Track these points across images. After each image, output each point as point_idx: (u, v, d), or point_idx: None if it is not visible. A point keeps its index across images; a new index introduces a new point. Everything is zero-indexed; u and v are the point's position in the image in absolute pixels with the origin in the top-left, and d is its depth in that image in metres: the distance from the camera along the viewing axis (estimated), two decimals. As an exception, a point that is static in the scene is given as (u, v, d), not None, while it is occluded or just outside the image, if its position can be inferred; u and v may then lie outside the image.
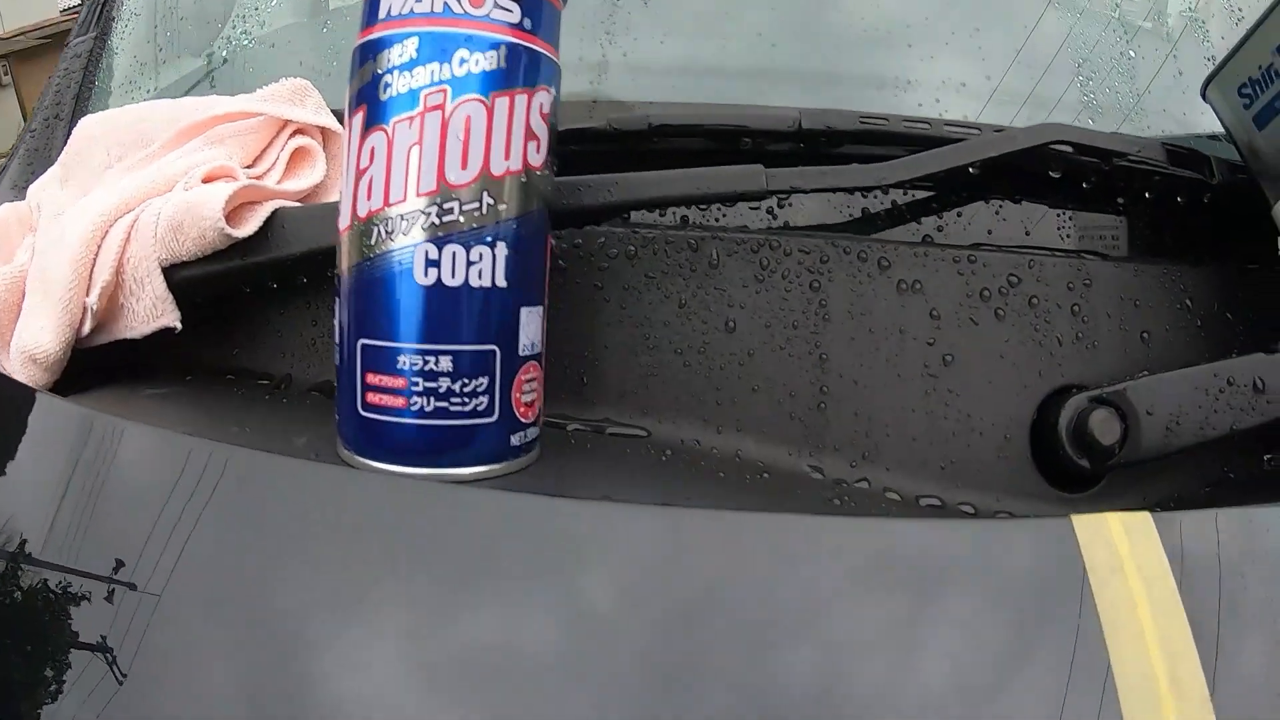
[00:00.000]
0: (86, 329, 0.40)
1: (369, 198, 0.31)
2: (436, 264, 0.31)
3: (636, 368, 0.38)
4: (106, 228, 0.40)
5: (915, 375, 0.39)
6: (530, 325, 0.33)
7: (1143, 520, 0.30)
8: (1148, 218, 0.47)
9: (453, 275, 0.31)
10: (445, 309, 0.31)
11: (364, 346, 0.32)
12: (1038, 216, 0.45)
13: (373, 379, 0.31)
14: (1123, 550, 0.29)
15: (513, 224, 0.32)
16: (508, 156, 0.31)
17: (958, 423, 0.39)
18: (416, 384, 0.31)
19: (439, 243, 0.31)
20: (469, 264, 0.31)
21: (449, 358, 0.31)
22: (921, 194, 0.43)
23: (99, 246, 0.39)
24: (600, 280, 0.39)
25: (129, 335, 0.40)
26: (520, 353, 0.32)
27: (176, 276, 0.39)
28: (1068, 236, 0.46)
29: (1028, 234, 0.45)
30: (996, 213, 0.44)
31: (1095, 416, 0.39)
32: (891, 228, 0.44)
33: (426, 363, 0.31)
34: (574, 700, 0.27)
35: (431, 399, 0.31)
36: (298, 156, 0.43)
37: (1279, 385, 0.41)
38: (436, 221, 0.31)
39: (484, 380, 0.31)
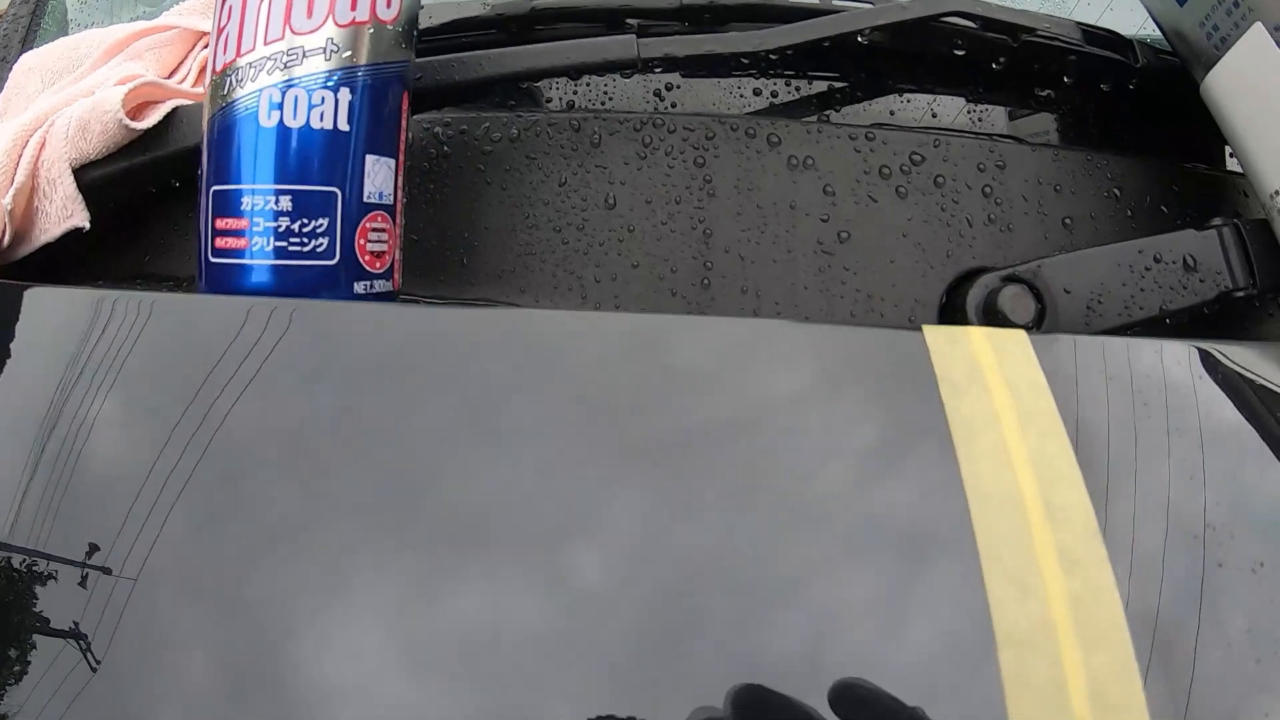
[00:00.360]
0: (6, 240, 0.41)
1: (224, 52, 0.32)
2: (279, 106, 0.31)
3: (515, 247, 0.37)
4: (26, 139, 0.41)
5: (808, 252, 0.37)
6: (378, 174, 0.32)
7: (1015, 337, 0.28)
8: (1069, 105, 0.45)
9: (294, 117, 0.31)
10: (286, 150, 0.31)
11: (214, 193, 0.32)
12: (945, 102, 0.43)
13: (220, 223, 0.31)
14: (985, 362, 0.27)
15: (358, 72, 0.32)
16: (354, 8, 0.32)
17: (856, 303, 0.37)
18: (258, 224, 0.31)
19: (283, 87, 0.31)
20: (310, 107, 0.31)
21: (289, 197, 0.31)
22: (820, 81, 0.42)
23: (19, 156, 0.41)
24: (483, 164, 0.38)
25: (42, 240, 0.41)
26: (365, 199, 0.32)
27: (86, 177, 0.40)
28: (979, 121, 0.44)
29: (934, 116, 0.43)
30: (900, 96, 0.43)
31: (1006, 294, 0.36)
32: (787, 117, 0.43)
33: (267, 202, 0.31)
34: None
35: (271, 238, 0.31)
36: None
37: (1212, 263, 0.38)
38: (281, 67, 0.31)
39: (324, 222, 0.31)
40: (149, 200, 0.41)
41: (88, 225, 0.40)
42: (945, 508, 0.25)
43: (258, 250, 0.31)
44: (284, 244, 0.31)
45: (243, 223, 0.31)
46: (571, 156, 0.38)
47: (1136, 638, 0.22)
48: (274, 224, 0.31)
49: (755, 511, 0.25)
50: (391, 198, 0.33)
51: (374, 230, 0.32)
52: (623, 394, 0.27)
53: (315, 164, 0.31)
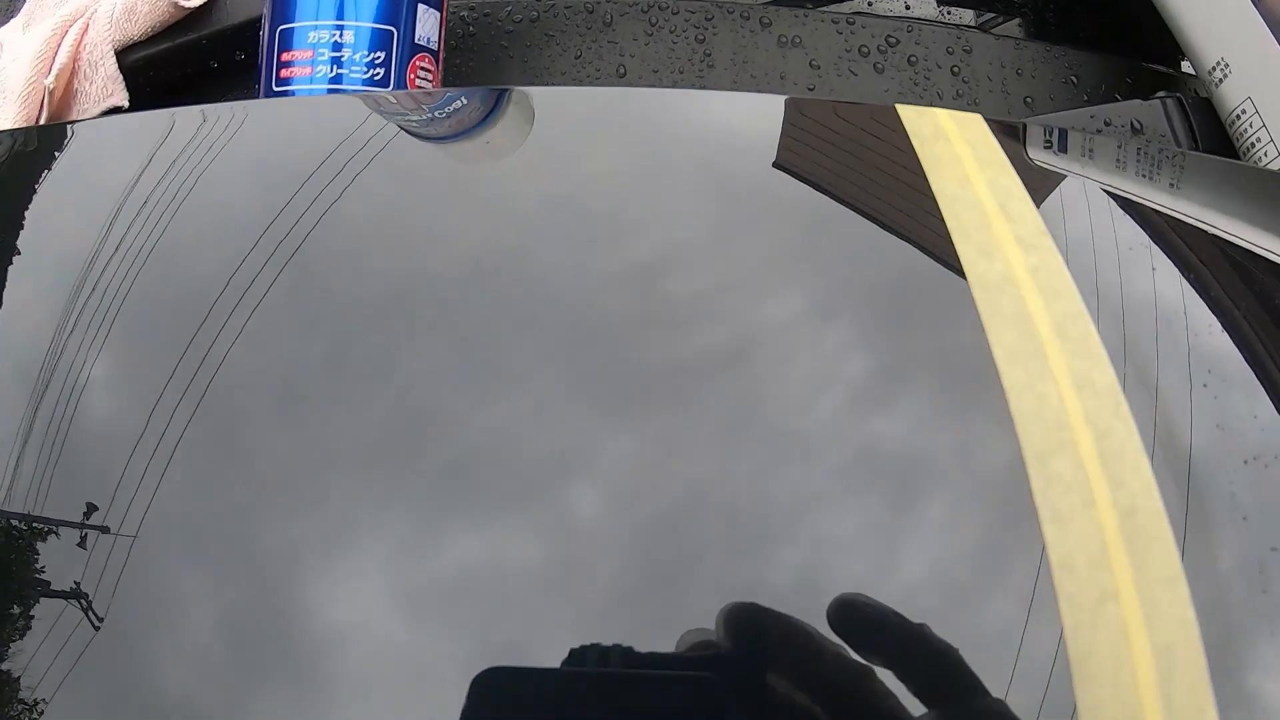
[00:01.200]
0: (43, 120, 0.46)
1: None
2: None
3: (536, 108, 0.42)
4: (66, 27, 0.46)
5: (796, 115, 0.42)
6: (426, 21, 0.37)
7: (973, 117, 0.32)
8: (1034, 5, 0.50)
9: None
10: None
11: (280, 31, 0.37)
12: (918, 5, 0.48)
13: (285, 57, 0.36)
14: (947, 126, 0.31)
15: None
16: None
17: (840, 159, 0.42)
18: (322, 54, 0.36)
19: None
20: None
21: (351, 32, 0.36)
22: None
23: (60, 41, 0.46)
24: (506, 41, 0.43)
25: (81, 119, 0.46)
26: (416, 40, 0.37)
27: (127, 59, 0.45)
28: (949, 15, 0.49)
29: (908, 8, 0.48)
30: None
31: (974, 151, 0.41)
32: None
33: (332, 35, 0.36)
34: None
35: (335, 66, 0.36)
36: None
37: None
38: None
39: (381, 55, 0.36)
40: (187, 82, 0.46)
41: (126, 104, 0.45)
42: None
43: (321, 76, 0.35)
44: (345, 71, 0.35)
45: (307, 54, 0.36)
46: (586, 34, 0.43)
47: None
48: (338, 54, 0.35)
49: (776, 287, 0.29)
50: (436, 44, 0.38)
51: (422, 70, 0.37)
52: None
53: (376, 3, 0.36)
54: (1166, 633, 0.18)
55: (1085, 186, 0.31)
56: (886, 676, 0.20)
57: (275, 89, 0.36)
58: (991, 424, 0.22)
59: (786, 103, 0.34)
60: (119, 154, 0.37)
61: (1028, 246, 0.26)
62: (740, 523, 0.23)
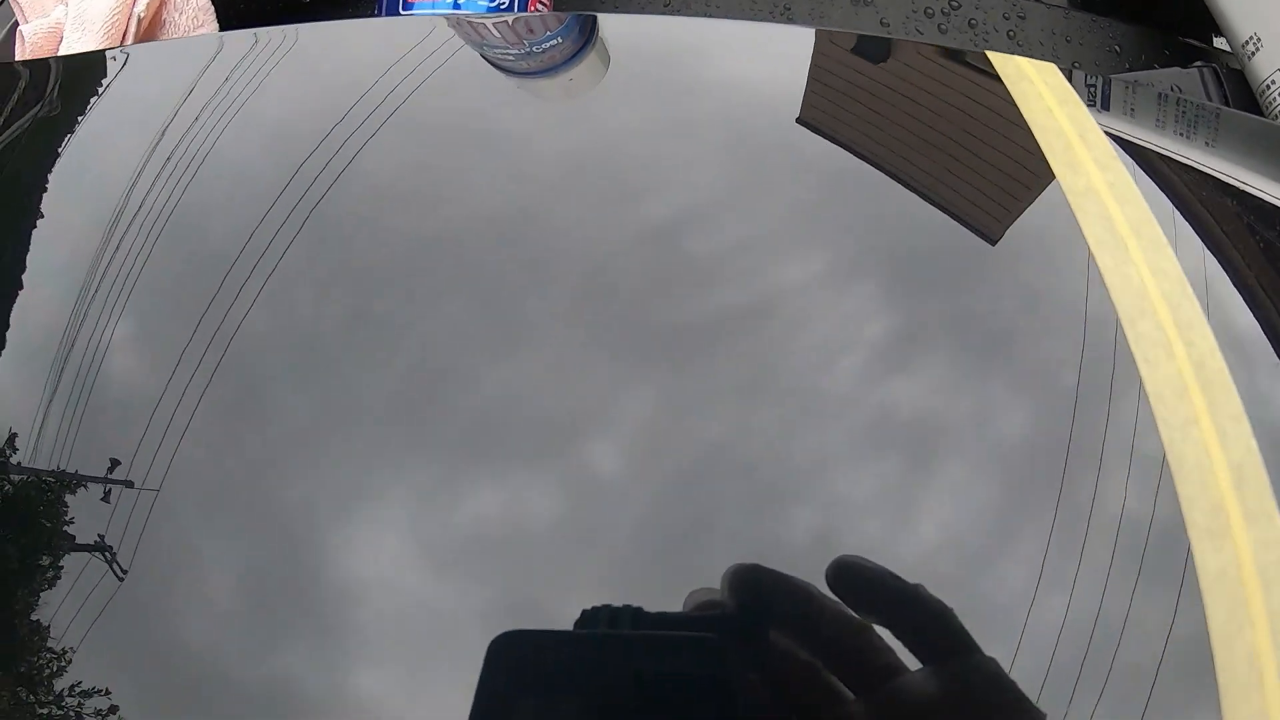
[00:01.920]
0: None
1: None
2: None
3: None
4: None
5: (867, 67, 0.46)
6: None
7: (1049, 66, 0.36)
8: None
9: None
10: None
11: None
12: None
13: None
14: (1027, 68, 0.35)
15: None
16: None
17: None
18: None
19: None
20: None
21: None
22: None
23: None
24: (600, -12, 0.47)
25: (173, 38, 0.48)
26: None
27: None
28: None
29: None
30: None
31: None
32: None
33: None
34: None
35: None
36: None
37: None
38: None
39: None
40: (279, 12, 0.49)
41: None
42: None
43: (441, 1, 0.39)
44: None
45: None
46: (675, -13, 0.46)
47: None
48: None
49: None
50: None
51: (539, 3, 0.41)
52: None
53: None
54: (1237, 454, 0.22)
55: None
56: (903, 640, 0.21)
57: (401, 10, 0.40)
58: (1092, 298, 0.26)
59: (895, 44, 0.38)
60: (184, 76, 0.39)
61: (1104, 166, 0.30)
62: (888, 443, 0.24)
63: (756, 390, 0.25)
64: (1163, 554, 0.22)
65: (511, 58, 0.42)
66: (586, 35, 0.44)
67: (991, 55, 0.36)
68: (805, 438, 0.24)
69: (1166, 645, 0.22)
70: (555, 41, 0.42)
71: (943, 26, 0.47)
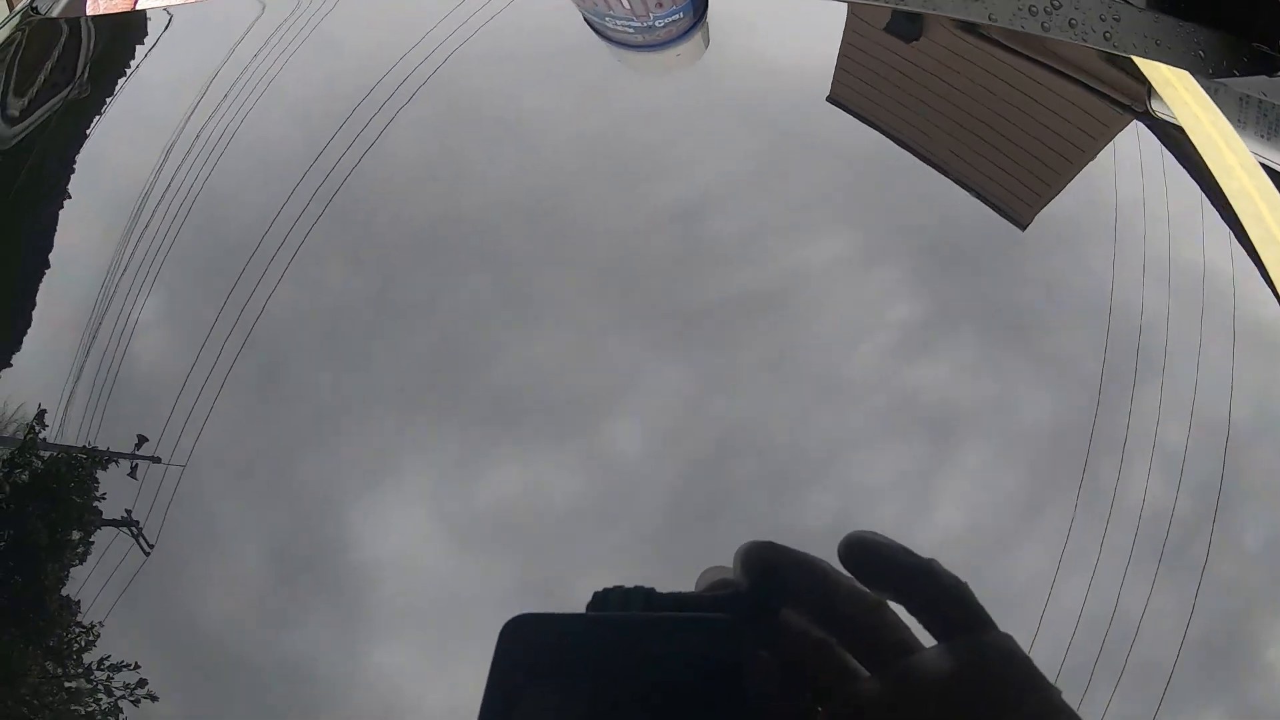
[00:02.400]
0: None
1: None
2: None
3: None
4: None
5: (975, 61, 0.47)
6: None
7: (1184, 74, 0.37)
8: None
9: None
10: None
11: None
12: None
13: None
14: (1171, 78, 0.36)
15: None
16: None
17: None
18: None
19: None
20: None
21: None
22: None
23: None
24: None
25: None
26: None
27: None
28: None
29: None
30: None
31: (1125, 107, 0.47)
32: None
33: None
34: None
35: None
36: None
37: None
38: None
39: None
40: None
41: None
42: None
43: None
44: None
45: None
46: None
47: None
48: None
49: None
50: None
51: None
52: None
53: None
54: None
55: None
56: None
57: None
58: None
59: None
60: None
61: (1249, 171, 0.32)
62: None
63: (796, 370, 0.25)
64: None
65: (631, 30, 0.43)
66: (700, 12, 0.45)
67: (1137, 60, 0.37)
68: (857, 419, 0.24)
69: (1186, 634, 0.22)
70: (677, 16, 0.43)
71: (1045, 25, 0.49)
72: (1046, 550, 0.23)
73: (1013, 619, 0.22)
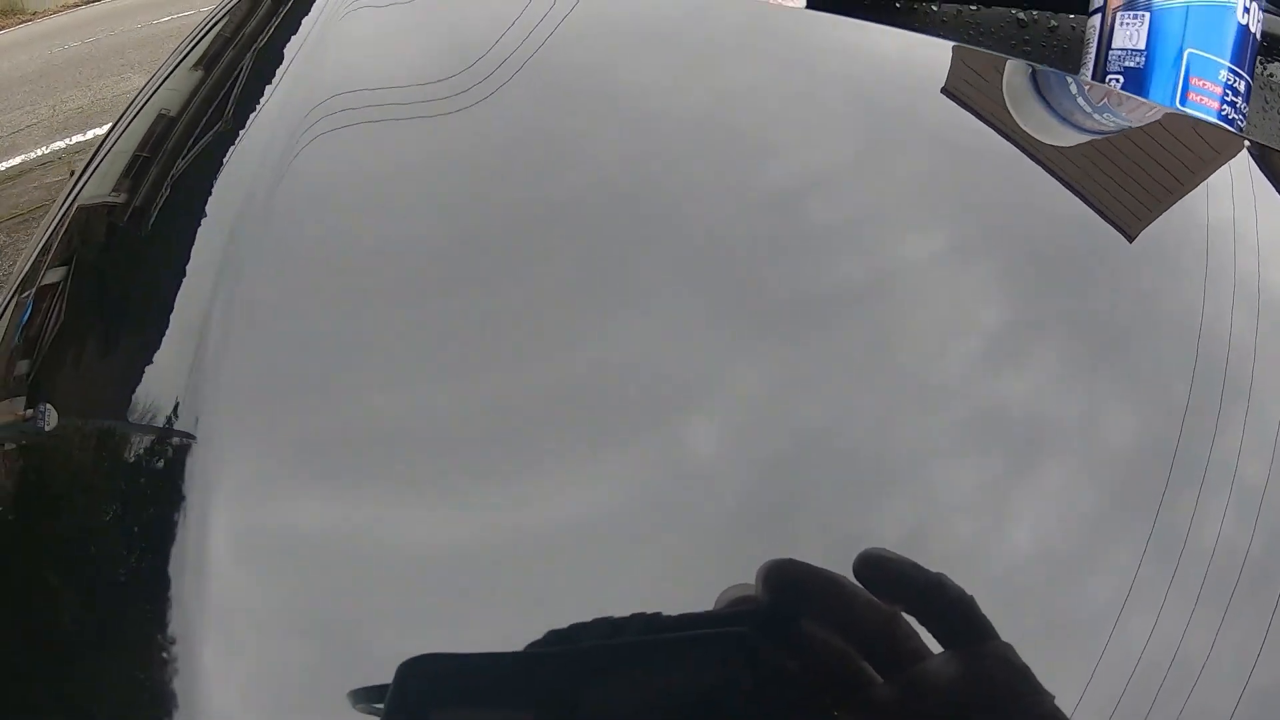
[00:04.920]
0: None
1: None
2: (1247, 10, 0.41)
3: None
4: None
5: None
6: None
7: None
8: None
9: (1248, 18, 0.41)
10: (1247, 43, 0.41)
11: (1190, 55, 0.40)
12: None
13: (1195, 82, 0.40)
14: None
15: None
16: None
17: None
18: (1226, 96, 0.41)
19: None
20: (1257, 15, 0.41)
21: (1244, 82, 0.41)
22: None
23: None
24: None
25: None
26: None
27: None
28: None
29: None
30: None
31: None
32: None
33: (1234, 79, 0.40)
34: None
35: (1231, 109, 0.41)
36: None
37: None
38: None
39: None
40: None
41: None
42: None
43: (1223, 116, 0.42)
44: (1235, 115, 0.42)
45: (1216, 89, 0.41)
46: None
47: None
48: (1234, 100, 0.42)
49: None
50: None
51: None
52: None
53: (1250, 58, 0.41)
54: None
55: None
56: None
57: (1180, 106, 0.41)
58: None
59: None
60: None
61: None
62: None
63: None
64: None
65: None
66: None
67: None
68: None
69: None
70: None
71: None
72: (1113, 581, 0.23)
73: (1072, 649, 0.22)
